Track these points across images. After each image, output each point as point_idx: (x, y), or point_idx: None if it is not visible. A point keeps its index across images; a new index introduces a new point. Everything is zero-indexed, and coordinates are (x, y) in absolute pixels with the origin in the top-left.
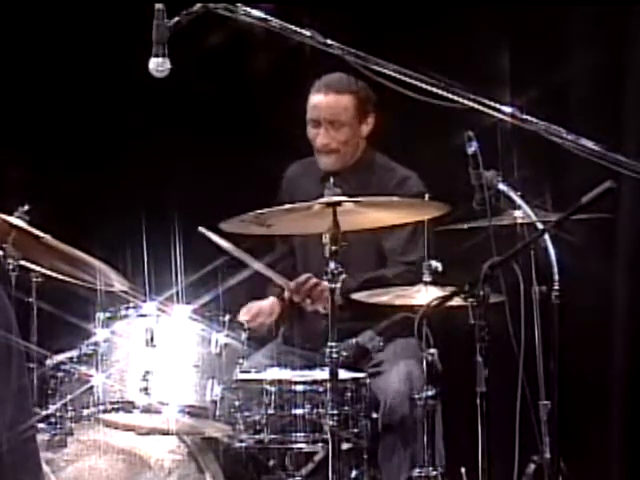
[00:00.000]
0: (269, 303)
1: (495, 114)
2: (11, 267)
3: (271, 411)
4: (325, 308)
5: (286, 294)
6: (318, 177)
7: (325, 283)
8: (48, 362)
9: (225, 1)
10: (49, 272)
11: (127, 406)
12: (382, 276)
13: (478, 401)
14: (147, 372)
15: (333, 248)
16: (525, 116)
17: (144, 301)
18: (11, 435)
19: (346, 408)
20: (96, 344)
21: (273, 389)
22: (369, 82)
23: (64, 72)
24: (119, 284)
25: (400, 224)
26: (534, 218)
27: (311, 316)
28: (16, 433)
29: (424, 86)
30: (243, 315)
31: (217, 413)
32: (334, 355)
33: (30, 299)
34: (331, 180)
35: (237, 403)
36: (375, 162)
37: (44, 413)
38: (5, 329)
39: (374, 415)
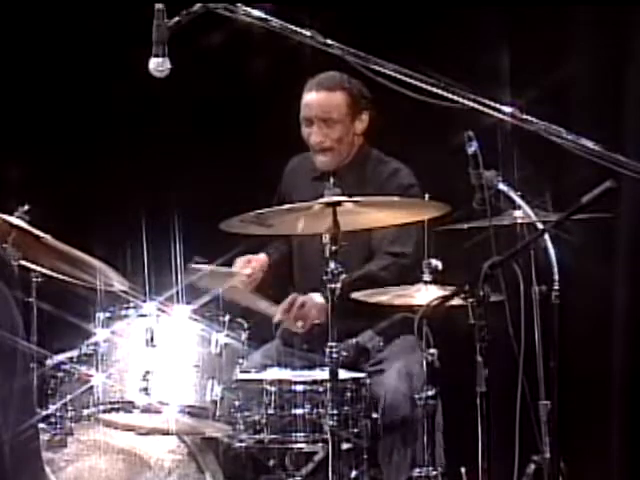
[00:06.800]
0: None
1: (495, 114)
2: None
3: (271, 411)
4: (303, 327)
5: (275, 319)
6: (311, 174)
7: (309, 300)
8: (48, 362)
9: (225, 1)
10: (49, 272)
11: (127, 406)
12: (368, 272)
13: (478, 401)
14: (147, 372)
15: (333, 248)
16: (525, 116)
17: (144, 301)
18: (14, 435)
19: (346, 408)
20: (96, 344)
21: (273, 389)
22: (364, 80)
23: (64, 72)
24: (119, 284)
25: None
26: (534, 218)
27: None
28: (19, 433)
29: (424, 86)
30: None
31: (217, 413)
32: (334, 355)
33: (30, 299)
34: (331, 180)
35: (237, 403)
36: (370, 158)
37: (44, 413)
38: (10, 330)
39: (374, 415)
